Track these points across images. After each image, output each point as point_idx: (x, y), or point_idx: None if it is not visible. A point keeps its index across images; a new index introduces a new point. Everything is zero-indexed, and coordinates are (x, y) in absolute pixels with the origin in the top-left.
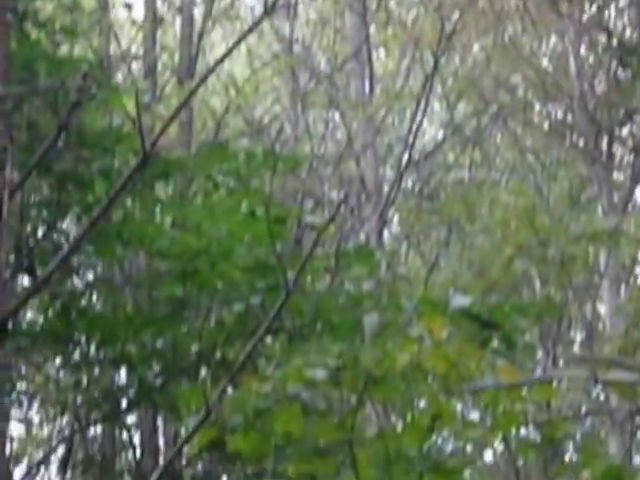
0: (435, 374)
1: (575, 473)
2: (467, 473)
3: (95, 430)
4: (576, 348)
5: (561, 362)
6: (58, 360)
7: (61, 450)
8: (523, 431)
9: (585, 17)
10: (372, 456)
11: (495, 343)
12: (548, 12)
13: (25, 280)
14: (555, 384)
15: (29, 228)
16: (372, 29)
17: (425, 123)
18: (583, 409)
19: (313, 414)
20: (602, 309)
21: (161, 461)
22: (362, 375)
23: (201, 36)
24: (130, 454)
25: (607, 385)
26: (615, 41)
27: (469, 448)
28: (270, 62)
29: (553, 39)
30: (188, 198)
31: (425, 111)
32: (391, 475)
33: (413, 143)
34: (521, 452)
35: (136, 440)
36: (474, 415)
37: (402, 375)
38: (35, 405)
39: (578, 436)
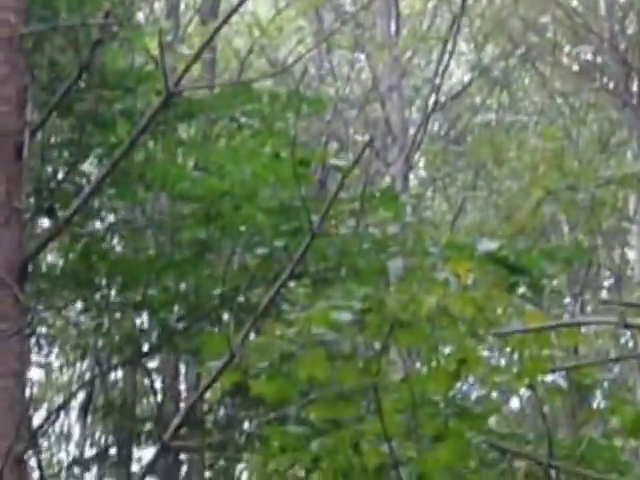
0: (461, 319)
1: (603, 420)
2: (493, 420)
3: (116, 375)
4: (604, 294)
5: (589, 308)
6: (79, 304)
7: (81, 395)
8: (550, 377)
9: None
10: (397, 401)
11: (522, 289)
12: None
13: (45, 222)
14: (583, 330)
15: (49, 170)
16: None
17: (452, 65)
18: (611, 355)
19: (338, 359)
20: (631, 254)
21: (182, 406)
22: (387, 319)
23: None
24: (151, 399)
25: (636, 330)
26: None
27: (495, 395)
28: (294, 2)
29: None
30: (211, 139)
31: (452, 53)
32: (416, 420)
33: (440, 85)
34: (548, 398)
35: (157, 385)
36: (501, 362)
37: (428, 320)
38: (55, 350)
39: (606, 383)
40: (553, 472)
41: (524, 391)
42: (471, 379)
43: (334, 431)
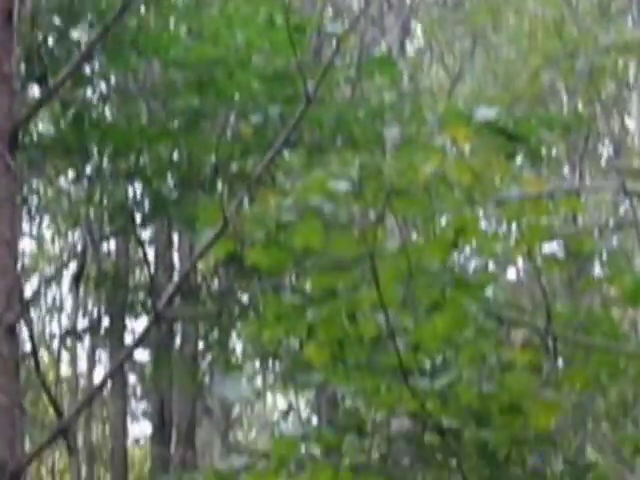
0: (459, 186)
1: (601, 289)
2: (490, 290)
3: (108, 245)
4: (603, 164)
5: (588, 178)
6: (70, 173)
7: (73, 266)
8: (548, 248)
9: None
10: (393, 270)
11: (520, 158)
12: None
13: (36, 91)
14: (582, 199)
15: (40, 36)
16: None
17: None
18: (610, 225)
19: (334, 228)
20: (630, 123)
21: (176, 278)
22: (384, 188)
23: None
24: (144, 270)
25: (636, 197)
26: None
27: (492, 266)
28: None
29: None
30: (204, 5)
31: None
32: (412, 290)
33: None
34: (546, 268)
35: (150, 256)
36: (499, 233)
37: (425, 188)
38: (46, 220)
39: (604, 254)
40: (550, 342)
41: (521, 263)
42: (468, 250)
43: (330, 301)
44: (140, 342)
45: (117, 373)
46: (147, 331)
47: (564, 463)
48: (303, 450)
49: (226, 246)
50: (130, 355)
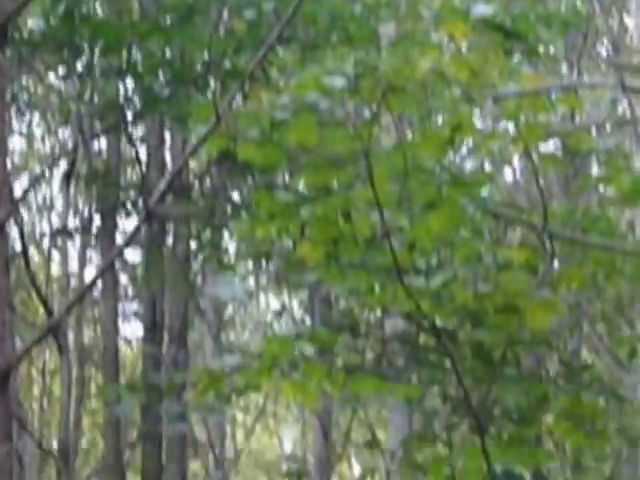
0: (456, 83)
1: (598, 189)
2: (487, 190)
3: (99, 143)
4: (602, 62)
5: (586, 77)
6: (61, 70)
7: (64, 164)
8: (545, 148)
9: None
10: (388, 168)
11: (518, 56)
12: None
13: None
14: (580, 97)
15: None
16: None
17: None
18: (608, 126)
19: (329, 125)
20: (630, 22)
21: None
22: (380, 84)
23: None
24: (136, 168)
25: (634, 93)
26: None
27: (488, 166)
28: None
29: None
30: None
31: None
32: (408, 188)
33: None
34: (543, 166)
35: (142, 154)
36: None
37: (422, 84)
38: (36, 117)
39: (602, 154)
40: (547, 241)
41: (518, 163)
42: (465, 150)
43: (324, 199)
44: (131, 240)
45: (108, 272)
46: (138, 228)
47: (559, 364)
48: (296, 350)
49: (219, 143)
50: (121, 253)
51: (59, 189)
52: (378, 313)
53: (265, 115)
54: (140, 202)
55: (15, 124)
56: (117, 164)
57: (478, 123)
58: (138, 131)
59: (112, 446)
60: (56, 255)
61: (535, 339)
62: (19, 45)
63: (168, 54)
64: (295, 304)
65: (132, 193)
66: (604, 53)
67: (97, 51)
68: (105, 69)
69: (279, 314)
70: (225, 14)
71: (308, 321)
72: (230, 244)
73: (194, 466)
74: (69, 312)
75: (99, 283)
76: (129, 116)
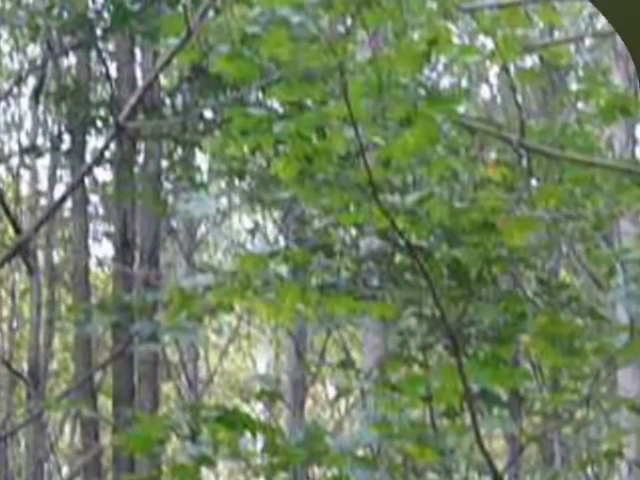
0: None
1: (576, 106)
2: (463, 106)
3: (69, 59)
4: None
5: None
6: None
7: (33, 81)
8: (524, 62)
9: None
10: (363, 84)
11: None
12: None
13: None
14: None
15: None
16: None
17: None
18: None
19: (303, 40)
20: None
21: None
22: None
23: None
24: (106, 85)
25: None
26: None
27: (465, 83)
28: None
29: None
30: None
31: None
32: (383, 104)
33: None
34: (521, 82)
35: (112, 71)
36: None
37: None
38: (4, 33)
39: (580, 69)
40: (525, 157)
41: (495, 80)
42: (441, 68)
43: (297, 115)
44: (101, 156)
45: (78, 191)
46: (108, 144)
47: (537, 283)
48: (270, 270)
49: (190, 56)
50: (91, 170)
51: (28, 106)
52: (353, 232)
53: (236, 29)
54: (110, 119)
55: None
56: (87, 81)
57: (455, 39)
58: (108, 47)
59: (83, 367)
60: (25, 174)
61: (512, 257)
62: None
63: None
64: (269, 223)
65: (102, 110)
66: None
67: None
68: None
69: (252, 233)
70: None
71: (282, 241)
72: (202, 162)
73: (166, 387)
74: (38, 230)
75: (69, 202)
76: (99, 32)
